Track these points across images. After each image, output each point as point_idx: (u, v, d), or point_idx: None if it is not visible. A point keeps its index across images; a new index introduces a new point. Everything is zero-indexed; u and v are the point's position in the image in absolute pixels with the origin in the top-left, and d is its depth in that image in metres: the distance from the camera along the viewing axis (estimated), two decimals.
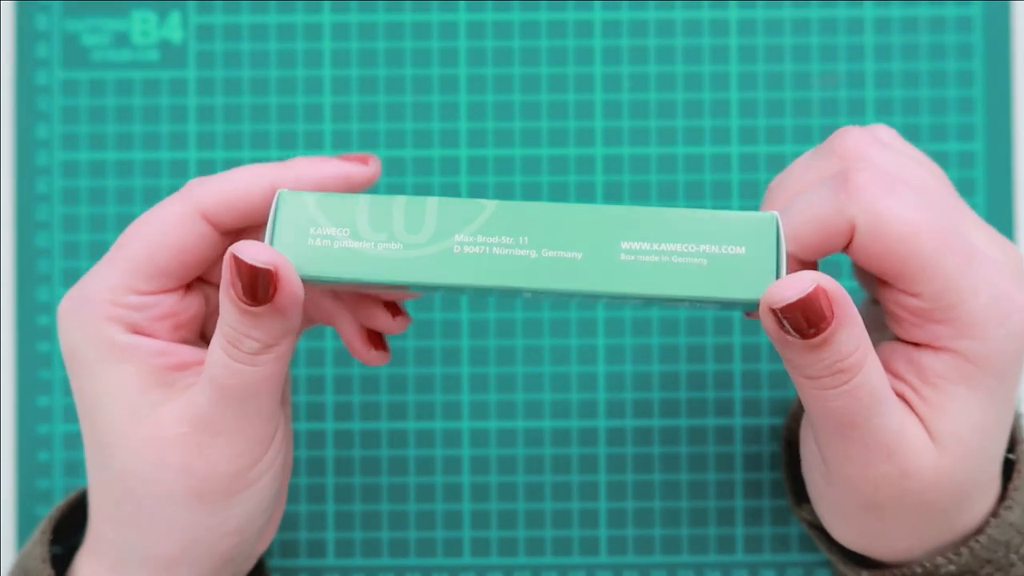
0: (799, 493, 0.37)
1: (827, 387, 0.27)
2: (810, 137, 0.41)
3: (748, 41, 0.42)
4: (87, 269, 0.41)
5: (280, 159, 0.41)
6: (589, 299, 0.28)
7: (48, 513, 0.34)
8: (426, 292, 0.29)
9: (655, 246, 0.28)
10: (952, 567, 0.30)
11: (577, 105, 0.42)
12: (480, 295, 0.28)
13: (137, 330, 0.30)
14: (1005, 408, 0.29)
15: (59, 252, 0.41)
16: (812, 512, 0.36)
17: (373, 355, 0.33)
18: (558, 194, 0.41)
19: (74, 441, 0.41)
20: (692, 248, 0.28)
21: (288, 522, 0.41)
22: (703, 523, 0.41)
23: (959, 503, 0.30)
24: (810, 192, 0.29)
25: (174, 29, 0.42)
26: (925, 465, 0.29)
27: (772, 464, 0.41)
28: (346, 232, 0.28)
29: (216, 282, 0.33)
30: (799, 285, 0.26)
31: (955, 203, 0.30)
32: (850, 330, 0.27)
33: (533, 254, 0.28)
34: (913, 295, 0.28)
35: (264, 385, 0.29)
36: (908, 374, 0.29)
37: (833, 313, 0.26)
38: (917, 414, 0.29)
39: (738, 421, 0.41)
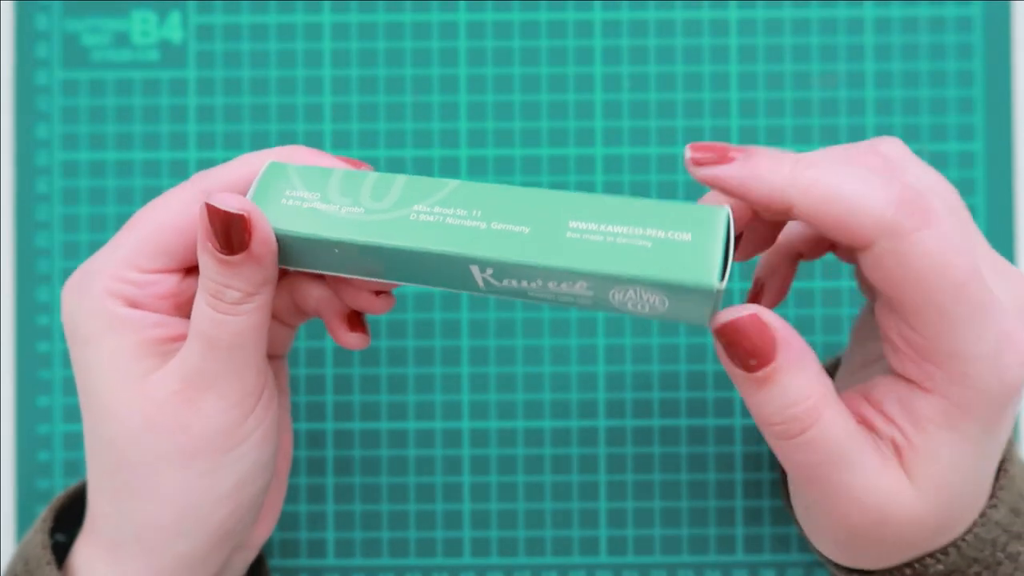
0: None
1: (781, 437, 0.27)
2: (810, 137, 0.41)
3: (748, 41, 0.42)
4: None
5: None
6: (534, 286, 0.29)
7: (50, 502, 0.34)
8: (385, 268, 0.30)
9: (601, 227, 0.28)
10: (940, 567, 0.30)
11: (577, 105, 0.42)
12: (431, 272, 0.29)
13: (136, 304, 0.31)
14: (992, 450, 0.29)
15: (59, 252, 0.41)
16: None
17: (352, 337, 0.33)
18: None
19: (74, 441, 0.41)
20: (638, 231, 0.28)
21: (288, 522, 0.41)
22: (703, 523, 0.41)
23: (941, 535, 0.30)
24: (855, 170, 0.27)
25: (174, 29, 0.42)
26: (902, 512, 0.28)
27: (772, 464, 0.41)
28: (316, 196, 0.30)
29: None
30: (738, 310, 0.26)
31: (975, 231, 0.29)
32: (799, 375, 0.26)
33: (483, 225, 0.29)
34: (916, 330, 0.27)
35: (249, 334, 0.30)
36: (899, 417, 0.28)
37: (775, 351, 0.26)
38: (901, 457, 0.28)
39: (738, 421, 0.41)
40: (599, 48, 0.42)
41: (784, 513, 0.41)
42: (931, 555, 0.30)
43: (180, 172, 0.41)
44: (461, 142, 0.42)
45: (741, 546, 0.41)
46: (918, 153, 0.41)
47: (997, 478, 0.31)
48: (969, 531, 0.30)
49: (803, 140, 0.41)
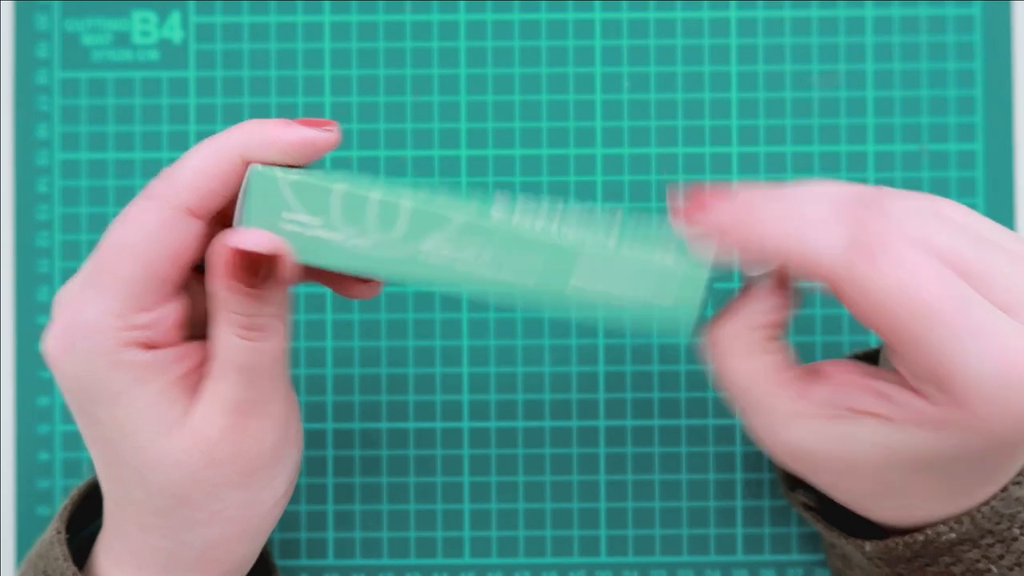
0: (792, 479, 0.38)
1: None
2: (810, 137, 0.41)
3: (748, 41, 0.42)
4: None
5: None
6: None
7: (58, 512, 0.34)
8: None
9: (599, 287, 0.30)
10: (952, 535, 0.30)
11: (577, 105, 0.42)
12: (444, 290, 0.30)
13: (153, 345, 0.29)
14: (984, 473, 0.29)
15: (59, 252, 0.41)
16: (807, 495, 0.36)
17: (363, 288, 0.33)
18: (558, 194, 0.41)
19: (74, 441, 0.41)
20: (630, 295, 0.31)
21: (288, 522, 0.41)
22: (703, 523, 0.41)
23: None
24: (823, 222, 0.28)
25: (174, 29, 0.42)
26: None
27: (772, 464, 0.41)
28: (319, 221, 0.29)
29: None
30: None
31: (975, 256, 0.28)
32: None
33: (491, 275, 0.30)
34: (901, 364, 0.28)
35: (281, 350, 0.30)
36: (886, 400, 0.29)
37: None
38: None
39: (738, 421, 0.41)
40: (599, 48, 0.42)
41: (784, 513, 0.41)
42: (944, 522, 0.30)
43: None
44: (461, 142, 0.42)
45: (741, 546, 0.41)
46: (918, 153, 0.41)
47: None
48: (986, 503, 0.30)
49: (803, 140, 0.41)
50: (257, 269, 0.28)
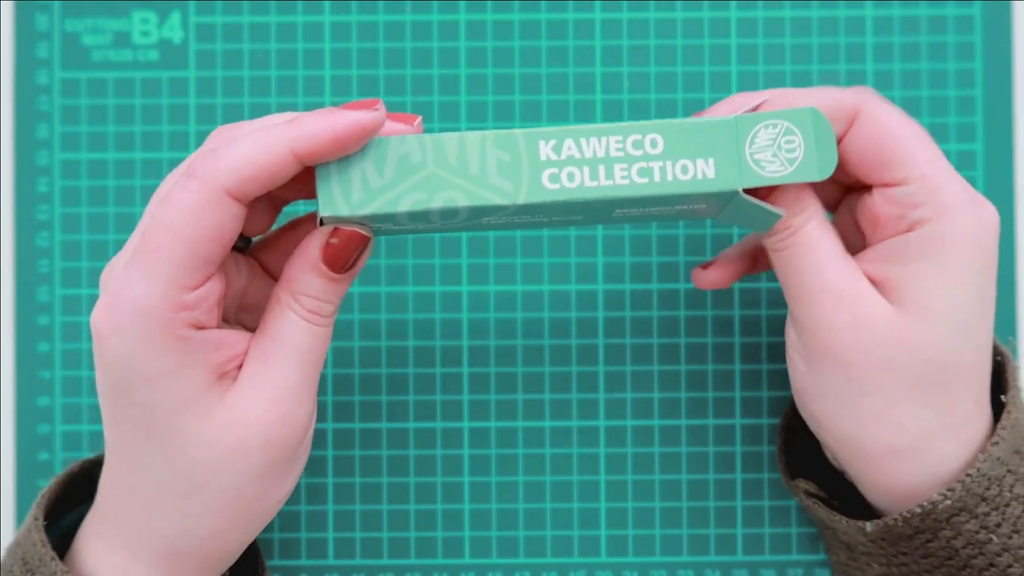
0: (793, 469, 0.38)
1: (782, 239, 0.32)
2: None
3: (748, 41, 0.42)
4: (87, 269, 0.41)
5: None
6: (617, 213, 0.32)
7: (37, 500, 0.34)
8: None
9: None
10: (948, 502, 0.31)
11: (577, 105, 0.42)
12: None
13: (201, 325, 0.30)
14: (975, 291, 0.32)
15: (59, 252, 0.41)
16: (809, 483, 0.36)
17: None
18: None
19: (74, 441, 0.41)
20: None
21: (288, 522, 0.41)
22: (703, 523, 0.41)
23: (933, 379, 0.31)
24: (830, 87, 0.33)
25: (174, 29, 0.42)
26: (878, 315, 0.31)
27: (772, 464, 0.41)
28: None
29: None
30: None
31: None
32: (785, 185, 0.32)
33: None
34: (900, 183, 0.32)
35: (329, 340, 0.32)
36: (880, 268, 0.32)
37: None
38: (884, 292, 0.32)
39: (738, 421, 0.41)
40: (599, 48, 0.42)
41: (784, 513, 0.41)
42: (939, 492, 0.31)
43: None
44: None
45: (741, 546, 0.41)
46: None
47: (999, 418, 0.33)
48: (972, 466, 0.32)
49: None
50: (347, 258, 0.31)
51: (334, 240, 0.31)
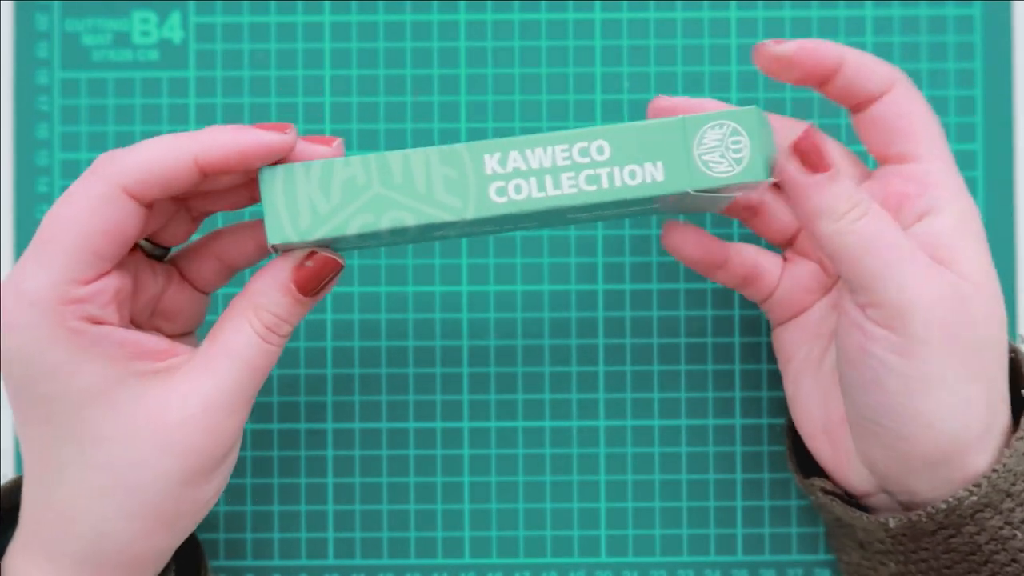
0: (807, 468, 0.38)
1: (856, 219, 0.31)
2: None
3: (748, 41, 0.42)
4: None
5: None
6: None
7: None
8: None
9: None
10: (974, 498, 0.31)
11: (577, 105, 0.42)
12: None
13: (97, 320, 0.30)
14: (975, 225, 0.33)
15: None
16: (823, 480, 0.36)
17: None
18: None
19: None
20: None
21: (288, 522, 0.41)
22: (703, 523, 0.41)
23: (1001, 359, 0.33)
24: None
25: (174, 29, 0.42)
26: (966, 285, 0.32)
27: (772, 464, 0.41)
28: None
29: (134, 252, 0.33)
30: (799, 128, 0.32)
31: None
32: (844, 171, 0.32)
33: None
34: (916, 159, 0.33)
35: (274, 363, 0.32)
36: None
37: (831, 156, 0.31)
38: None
39: (738, 421, 0.41)
40: (599, 48, 0.42)
41: (784, 513, 0.41)
42: (965, 488, 0.32)
43: None
44: (461, 142, 0.42)
45: (741, 546, 0.41)
46: None
47: (1016, 415, 0.34)
48: (998, 462, 0.32)
49: None
50: (320, 281, 0.31)
51: (309, 263, 0.31)
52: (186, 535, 0.32)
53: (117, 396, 0.30)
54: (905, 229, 0.33)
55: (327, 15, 0.42)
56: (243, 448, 0.41)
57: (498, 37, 0.42)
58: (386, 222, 0.30)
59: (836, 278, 0.36)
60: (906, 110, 0.33)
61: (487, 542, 0.41)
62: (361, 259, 0.41)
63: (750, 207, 0.37)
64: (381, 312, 0.41)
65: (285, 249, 0.31)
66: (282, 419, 0.41)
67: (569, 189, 0.30)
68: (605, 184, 0.30)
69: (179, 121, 0.42)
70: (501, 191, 0.30)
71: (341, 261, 0.31)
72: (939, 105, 0.41)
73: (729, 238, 0.41)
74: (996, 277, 0.33)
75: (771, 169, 0.31)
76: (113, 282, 0.30)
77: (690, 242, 0.36)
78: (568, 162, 0.30)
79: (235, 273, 0.35)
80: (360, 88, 0.42)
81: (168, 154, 0.30)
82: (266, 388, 0.41)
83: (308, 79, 0.42)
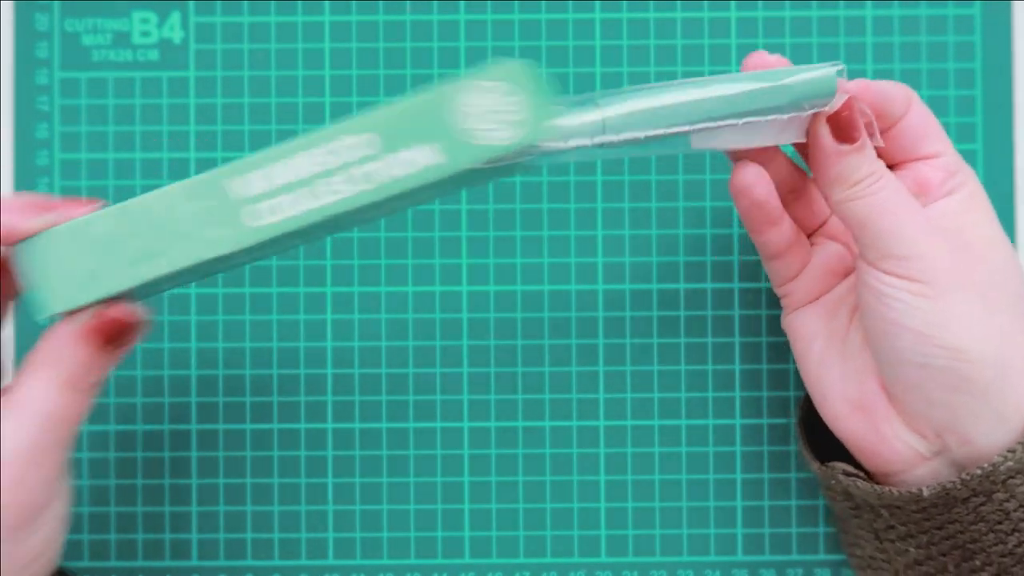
0: (824, 453, 0.37)
1: (874, 184, 0.33)
2: None
3: (748, 41, 0.42)
4: None
5: None
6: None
7: None
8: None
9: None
10: (1009, 463, 0.32)
11: None
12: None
13: None
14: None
15: None
16: (843, 464, 0.36)
17: None
18: (558, 193, 0.41)
19: (74, 441, 0.41)
20: None
21: (288, 522, 0.41)
22: (703, 523, 0.41)
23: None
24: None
25: (174, 29, 0.42)
26: (977, 239, 0.35)
27: (772, 464, 0.41)
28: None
29: None
30: (841, 96, 0.33)
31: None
32: (869, 142, 0.34)
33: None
34: (937, 155, 0.35)
35: (87, 409, 0.31)
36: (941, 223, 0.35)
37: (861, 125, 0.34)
38: None
39: (738, 421, 0.41)
40: (599, 48, 0.42)
41: (784, 513, 0.41)
42: (1000, 454, 0.32)
43: (180, 172, 0.41)
44: None
45: (741, 546, 0.41)
46: None
47: None
48: None
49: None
50: (123, 335, 0.30)
51: (97, 321, 0.30)
52: None
53: None
54: (928, 206, 0.35)
55: (327, 15, 0.42)
56: (243, 448, 0.41)
57: (498, 37, 0.42)
58: (156, 269, 0.29)
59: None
60: (924, 117, 0.36)
61: (487, 542, 0.41)
62: (361, 260, 0.41)
63: (795, 189, 0.37)
64: (381, 312, 0.41)
65: (68, 314, 0.30)
66: (282, 419, 0.41)
67: (334, 196, 0.28)
68: (373, 183, 0.28)
69: (179, 121, 0.42)
70: (256, 214, 0.28)
71: (135, 318, 0.30)
72: (939, 105, 0.41)
73: (729, 238, 0.41)
74: (1008, 241, 0.36)
75: (550, 128, 0.28)
76: None
77: (764, 183, 0.35)
78: (321, 168, 0.28)
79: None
80: (360, 88, 0.42)
81: None
82: (267, 388, 0.41)
83: (308, 79, 0.42)
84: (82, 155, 0.42)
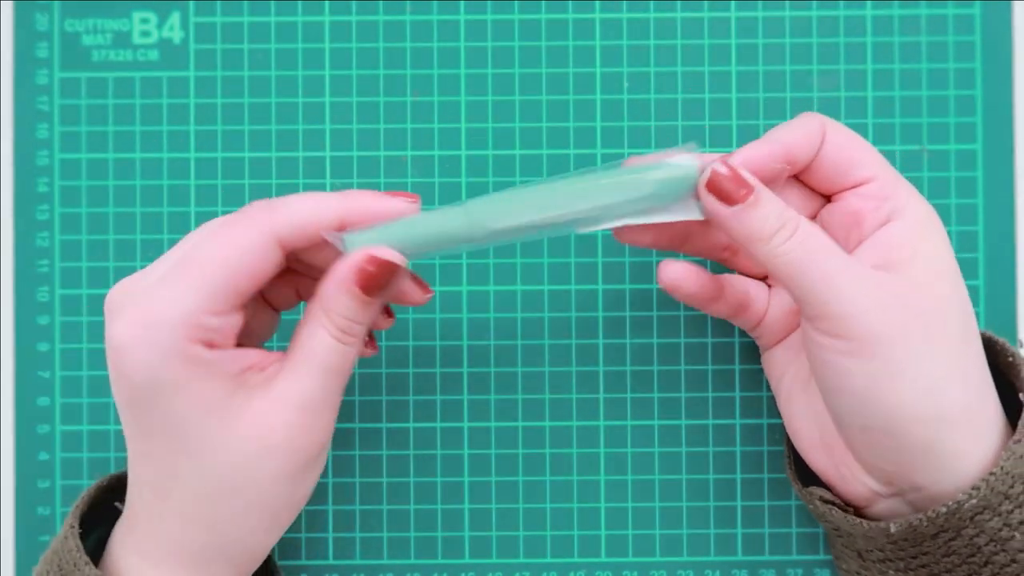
0: (806, 478, 0.38)
1: (784, 240, 0.32)
2: None
3: (748, 41, 0.42)
4: (87, 269, 0.41)
5: (280, 159, 0.41)
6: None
7: (71, 510, 0.35)
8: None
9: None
10: (973, 501, 0.32)
11: (577, 105, 0.42)
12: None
13: (212, 345, 0.32)
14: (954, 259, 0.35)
15: (59, 252, 0.41)
16: (822, 490, 0.36)
17: (386, 321, 0.37)
18: None
19: (74, 441, 0.41)
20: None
21: None
22: (703, 523, 0.41)
23: (967, 334, 0.34)
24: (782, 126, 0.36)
25: (174, 29, 0.42)
26: (903, 284, 0.33)
27: (772, 464, 0.41)
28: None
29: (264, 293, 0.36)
30: (711, 164, 0.33)
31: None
32: (773, 195, 0.33)
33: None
34: (868, 180, 0.34)
35: (356, 358, 0.34)
36: (879, 255, 0.34)
37: (750, 181, 0.33)
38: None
39: (738, 421, 0.41)
40: (599, 48, 0.42)
41: (784, 513, 0.41)
42: (964, 492, 0.32)
43: (180, 172, 0.41)
44: (461, 142, 0.42)
45: (741, 546, 0.41)
46: (918, 153, 0.41)
47: (1020, 416, 0.34)
48: (995, 464, 0.33)
49: None
50: (380, 280, 0.32)
51: (370, 267, 0.32)
52: (284, 531, 0.35)
53: (228, 408, 0.32)
54: (866, 239, 0.34)
55: (327, 15, 0.42)
56: None
57: (498, 37, 0.42)
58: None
59: None
60: (845, 145, 0.35)
61: (487, 542, 0.41)
62: None
63: (729, 247, 0.37)
64: None
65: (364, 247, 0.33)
66: None
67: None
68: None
69: (179, 121, 0.42)
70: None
71: (396, 260, 0.33)
72: (939, 105, 0.41)
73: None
74: (958, 269, 0.34)
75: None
76: (240, 317, 0.33)
77: (689, 279, 0.36)
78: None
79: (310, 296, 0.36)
80: (360, 88, 0.42)
81: (318, 211, 0.33)
82: None
83: (308, 79, 0.42)
84: (82, 155, 0.42)
